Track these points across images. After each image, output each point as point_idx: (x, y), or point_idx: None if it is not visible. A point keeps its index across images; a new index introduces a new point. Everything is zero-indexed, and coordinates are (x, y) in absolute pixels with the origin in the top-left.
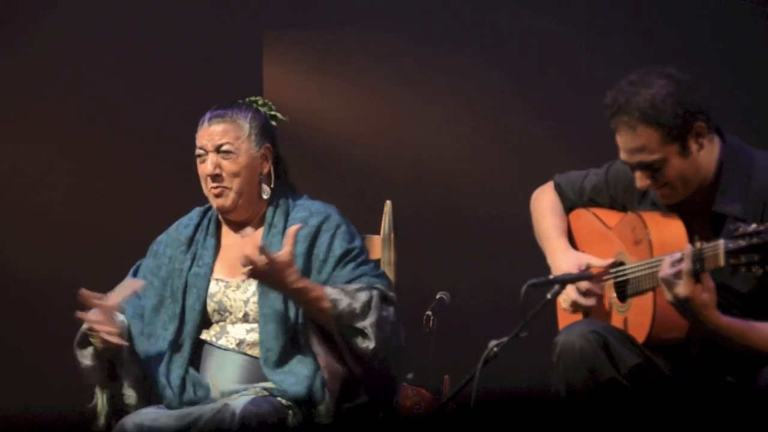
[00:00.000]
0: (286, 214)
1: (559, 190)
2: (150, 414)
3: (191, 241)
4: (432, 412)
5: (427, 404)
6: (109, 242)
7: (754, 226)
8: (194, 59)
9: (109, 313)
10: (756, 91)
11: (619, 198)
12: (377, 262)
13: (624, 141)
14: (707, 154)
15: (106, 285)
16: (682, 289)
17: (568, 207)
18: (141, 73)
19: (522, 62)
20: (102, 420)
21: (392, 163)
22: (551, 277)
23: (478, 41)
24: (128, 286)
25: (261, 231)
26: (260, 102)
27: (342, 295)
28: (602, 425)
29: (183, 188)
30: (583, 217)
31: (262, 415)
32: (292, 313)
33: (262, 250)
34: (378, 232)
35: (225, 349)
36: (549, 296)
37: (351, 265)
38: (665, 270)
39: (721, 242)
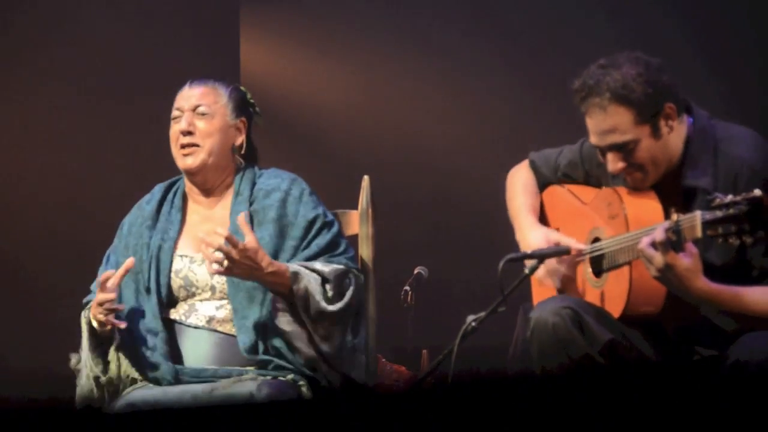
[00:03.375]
0: (252, 183)
1: (534, 166)
2: (155, 390)
3: (156, 215)
4: (410, 387)
5: (406, 382)
6: (87, 229)
7: (730, 197)
8: (169, 36)
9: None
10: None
11: (593, 173)
12: (352, 237)
13: (595, 123)
14: (676, 135)
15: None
16: (660, 259)
17: (543, 183)
18: (114, 54)
19: (504, 39)
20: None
21: (370, 137)
22: (529, 252)
23: (461, 17)
24: (123, 267)
25: (228, 202)
26: (241, 88)
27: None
28: (577, 401)
29: (157, 165)
30: (557, 193)
31: (280, 395)
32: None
33: (231, 239)
34: (356, 207)
35: (195, 327)
36: (527, 271)
37: (328, 235)
38: (642, 245)
39: (698, 213)
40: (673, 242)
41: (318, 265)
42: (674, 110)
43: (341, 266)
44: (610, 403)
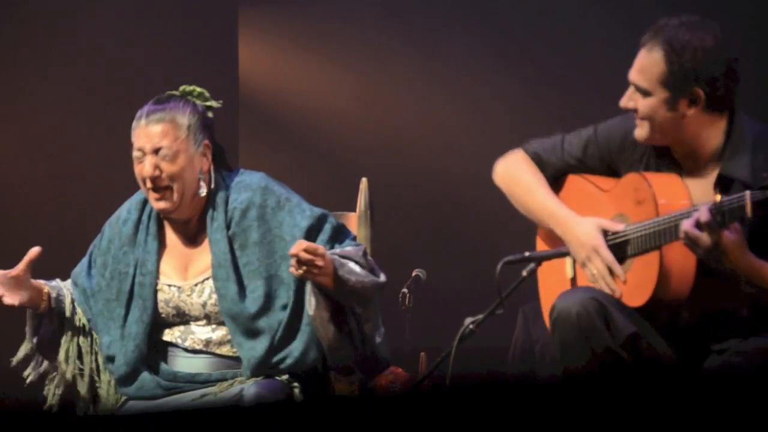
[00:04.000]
0: (225, 203)
1: (538, 159)
2: (139, 406)
3: (134, 238)
4: (407, 389)
5: (403, 383)
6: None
7: None
8: (169, 38)
9: (18, 282)
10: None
11: (614, 159)
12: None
13: (639, 56)
14: (714, 126)
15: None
16: (707, 239)
17: (551, 175)
18: (112, 55)
19: (503, 40)
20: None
21: (369, 139)
22: (527, 254)
23: (460, 19)
24: (26, 258)
25: (205, 221)
26: (196, 92)
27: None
28: (576, 404)
29: None
30: (571, 182)
31: (274, 397)
32: (251, 310)
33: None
34: (354, 209)
35: (193, 351)
36: (524, 273)
37: (327, 227)
38: (687, 226)
39: (748, 193)
40: (718, 222)
41: (338, 249)
42: (702, 99)
43: (357, 246)
44: (610, 407)
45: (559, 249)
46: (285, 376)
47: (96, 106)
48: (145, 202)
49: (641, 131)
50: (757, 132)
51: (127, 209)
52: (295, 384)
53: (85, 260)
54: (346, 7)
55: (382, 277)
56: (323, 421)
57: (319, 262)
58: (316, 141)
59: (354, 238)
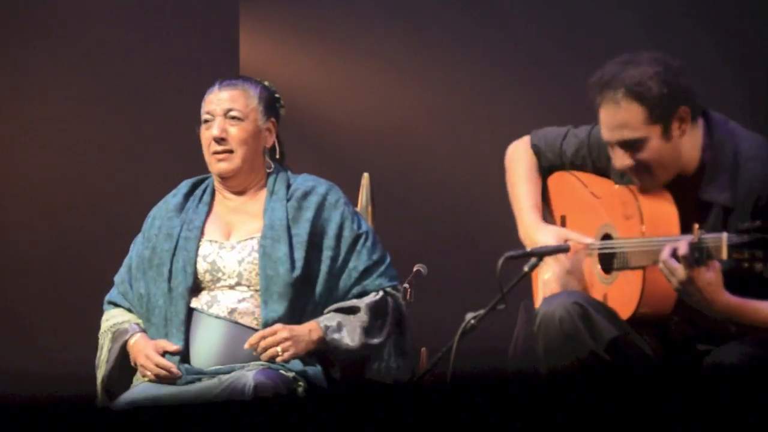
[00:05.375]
0: (287, 183)
1: (536, 150)
2: (150, 389)
3: (181, 208)
4: (408, 384)
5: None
6: (94, 217)
7: (758, 222)
8: (169, 31)
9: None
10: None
11: (602, 165)
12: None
13: (607, 116)
14: (690, 140)
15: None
16: (682, 273)
17: (546, 167)
18: (113, 53)
19: (507, 40)
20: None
21: (370, 134)
22: (529, 249)
23: (463, 15)
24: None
25: (260, 198)
26: (266, 83)
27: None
28: (577, 400)
29: (159, 164)
30: (565, 181)
31: (275, 387)
32: (294, 275)
33: (260, 336)
34: (356, 204)
35: (216, 317)
36: (526, 269)
37: (364, 253)
38: (664, 256)
39: (725, 235)
40: (695, 258)
41: (352, 303)
42: (688, 114)
43: (377, 295)
44: (610, 402)
45: (560, 245)
46: (292, 374)
47: (94, 104)
48: (198, 183)
49: (650, 180)
50: (740, 148)
51: (178, 187)
52: (300, 383)
53: (123, 268)
54: (347, 4)
55: (377, 339)
56: (322, 416)
57: (285, 344)
58: (317, 136)
59: (388, 268)
